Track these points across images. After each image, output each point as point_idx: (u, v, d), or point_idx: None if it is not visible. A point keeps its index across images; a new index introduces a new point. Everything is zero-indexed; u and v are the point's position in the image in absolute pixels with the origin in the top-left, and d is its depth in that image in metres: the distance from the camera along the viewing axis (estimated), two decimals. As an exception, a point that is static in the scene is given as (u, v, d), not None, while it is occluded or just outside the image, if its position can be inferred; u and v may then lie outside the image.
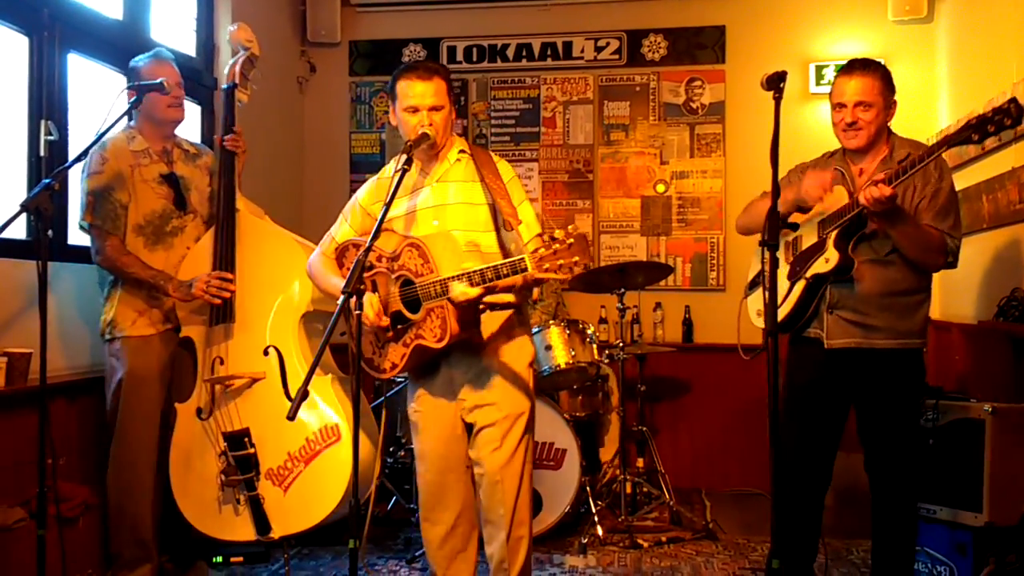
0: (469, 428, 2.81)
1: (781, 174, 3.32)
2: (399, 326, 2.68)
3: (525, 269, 2.29)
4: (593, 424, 4.85)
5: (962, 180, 4.36)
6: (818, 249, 2.98)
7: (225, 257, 3.36)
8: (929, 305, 3.02)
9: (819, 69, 5.38)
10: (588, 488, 4.23)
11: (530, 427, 2.83)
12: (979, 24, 4.62)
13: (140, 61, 3.44)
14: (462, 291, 2.44)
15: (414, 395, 2.87)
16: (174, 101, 3.45)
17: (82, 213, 3.31)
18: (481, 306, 2.57)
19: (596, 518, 4.18)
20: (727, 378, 5.27)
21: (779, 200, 3.18)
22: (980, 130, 2.51)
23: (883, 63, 3.05)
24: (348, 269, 2.84)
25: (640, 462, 4.98)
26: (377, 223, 2.49)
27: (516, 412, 2.77)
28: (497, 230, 2.76)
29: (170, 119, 3.48)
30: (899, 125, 4.83)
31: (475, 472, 2.81)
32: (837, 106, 2.99)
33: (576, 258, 2.20)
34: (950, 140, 2.59)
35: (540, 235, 2.35)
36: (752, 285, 3.31)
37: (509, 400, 2.76)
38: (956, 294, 4.68)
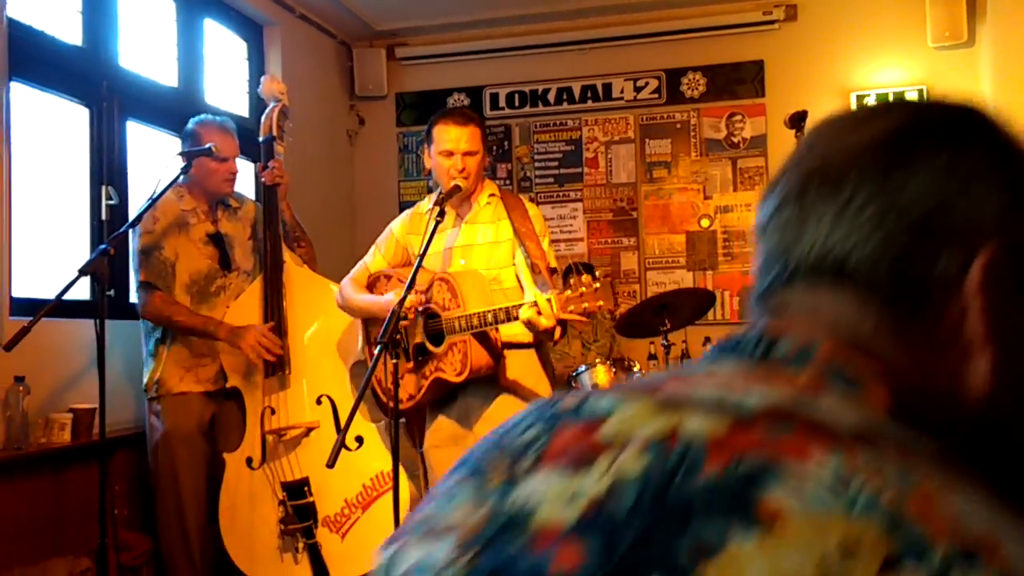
0: None
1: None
2: (420, 358, 2.77)
3: (551, 310, 2.38)
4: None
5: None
6: None
7: (274, 308, 3.39)
8: None
9: (860, 99, 5.36)
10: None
11: None
12: (1021, 45, 4.59)
13: (199, 124, 3.45)
14: (528, 316, 2.46)
15: (431, 426, 2.94)
16: (228, 176, 3.46)
17: (135, 272, 3.37)
18: (500, 342, 2.65)
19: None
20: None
21: None
22: None
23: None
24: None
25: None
26: (413, 271, 2.59)
27: None
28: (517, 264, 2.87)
29: (222, 193, 3.51)
30: (943, 151, 4.81)
31: None
32: None
33: (600, 302, 2.29)
34: None
35: (568, 277, 2.45)
36: None
37: None
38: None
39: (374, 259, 3.06)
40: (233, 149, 3.47)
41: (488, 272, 2.83)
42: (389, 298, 2.74)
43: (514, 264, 2.88)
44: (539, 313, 2.40)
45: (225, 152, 3.39)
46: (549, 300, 2.37)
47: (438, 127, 2.90)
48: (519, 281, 2.88)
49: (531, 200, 5.72)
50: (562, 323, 2.54)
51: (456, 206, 2.96)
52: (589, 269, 4.52)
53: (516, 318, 2.51)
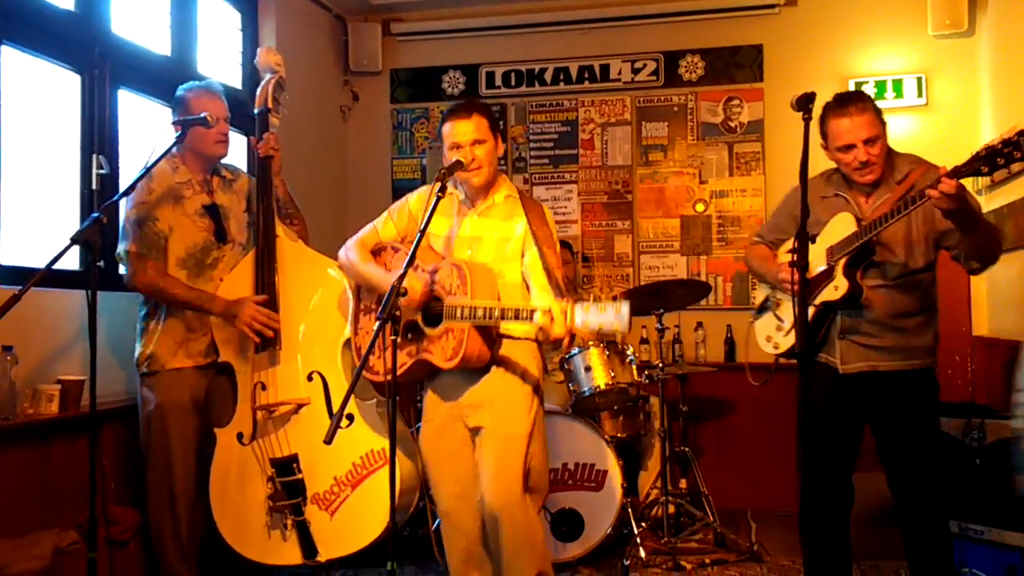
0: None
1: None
2: (409, 335, 2.75)
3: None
4: (635, 445, 4.84)
5: (1005, 196, 4.31)
6: (827, 276, 2.95)
7: (266, 283, 3.34)
8: (937, 323, 3.01)
9: (858, 85, 5.33)
10: (630, 509, 4.22)
11: (528, 450, 2.86)
12: (1021, 36, 4.57)
13: (188, 91, 3.43)
14: (542, 322, 2.50)
15: (423, 408, 2.98)
16: (220, 137, 3.43)
17: (124, 241, 3.28)
18: (497, 333, 2.70)
19: (639, 540, 4.17)
20: (771, 397, 5.18)
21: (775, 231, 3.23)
22: (990, 162, 2.48)
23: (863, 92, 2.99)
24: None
25: (683, 483, 4.95)
26: (413, 246, 2.56)
27: (514, 433, 2.83)
28: (523, 257, 2.90)
29: (216, 155, 3.47)
30: (941, 140, 4.81)
31: (479, 502, 2.87)
32: (844, 148, 2.90)
33: (617, 327, 2.39)
34: (959, 171, 2.52)
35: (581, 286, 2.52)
36: (760, 310, 3.34)
37: (507, 421, 2.84)
38: (1004, 309, 4.60)
39: (385, 226, 3.08)
40: (222, 110, 3.45)
41: (493, 264, 2.84)
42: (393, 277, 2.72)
43: (522, 262, 2.89)
44: (552, 321, 2.42)
45: (216, 115, 3.36)
46: (565, 312, 2.38)
47: (445, 125, 2.93)
48: (523, 279, 2.89)
49: (525, 182, 5.78)
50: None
51: (471, 195, 2.98)
52: (567, 246, 4.60)
53: (525, 319, 2.53)
